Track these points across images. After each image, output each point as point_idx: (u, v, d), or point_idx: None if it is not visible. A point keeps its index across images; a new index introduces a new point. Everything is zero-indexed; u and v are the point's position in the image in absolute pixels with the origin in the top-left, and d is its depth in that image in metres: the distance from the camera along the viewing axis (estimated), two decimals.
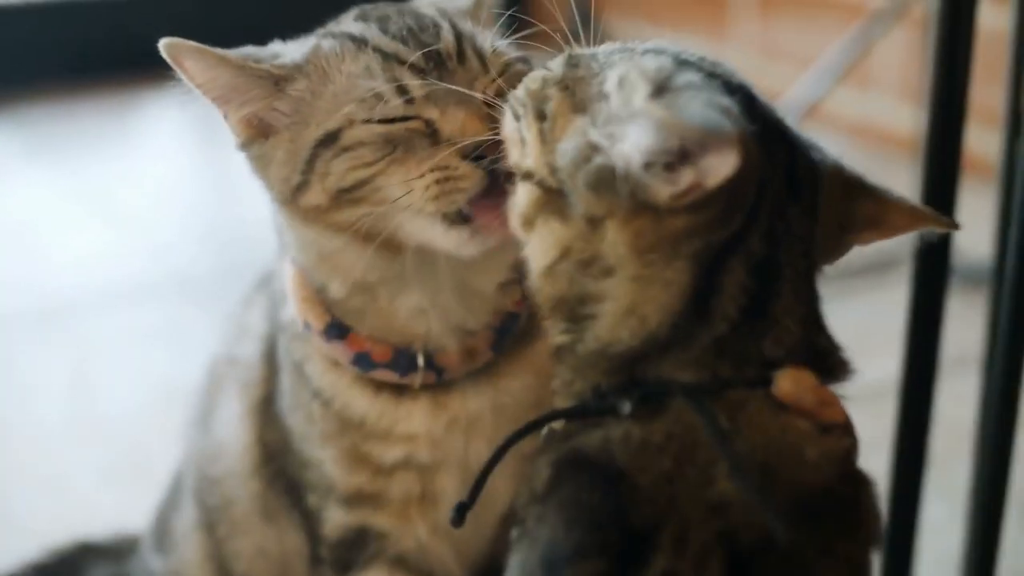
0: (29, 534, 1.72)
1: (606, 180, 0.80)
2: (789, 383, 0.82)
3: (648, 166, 0.77)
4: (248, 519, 1.17)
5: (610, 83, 0.83)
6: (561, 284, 0.85)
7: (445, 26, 1.01)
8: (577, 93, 0.86)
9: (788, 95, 2.66)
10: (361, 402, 1.07)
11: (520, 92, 0.91)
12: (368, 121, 0.97)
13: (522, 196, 0.87)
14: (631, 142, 0.78)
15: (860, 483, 0.85)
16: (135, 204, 3.11)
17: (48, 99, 3.74)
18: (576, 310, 0.85)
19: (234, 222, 2.93)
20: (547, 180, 0.85)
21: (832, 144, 0.88)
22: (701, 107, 0.75)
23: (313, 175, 0.99)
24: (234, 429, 1.17)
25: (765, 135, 0.82)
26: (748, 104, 0.83)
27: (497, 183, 0.95)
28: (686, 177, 0.76)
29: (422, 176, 0.96)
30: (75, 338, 2.41)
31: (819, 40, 3.32)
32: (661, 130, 0.76)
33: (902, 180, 2.76)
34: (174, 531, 1.27)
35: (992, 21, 1.35)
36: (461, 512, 0.88)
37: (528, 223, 0.86)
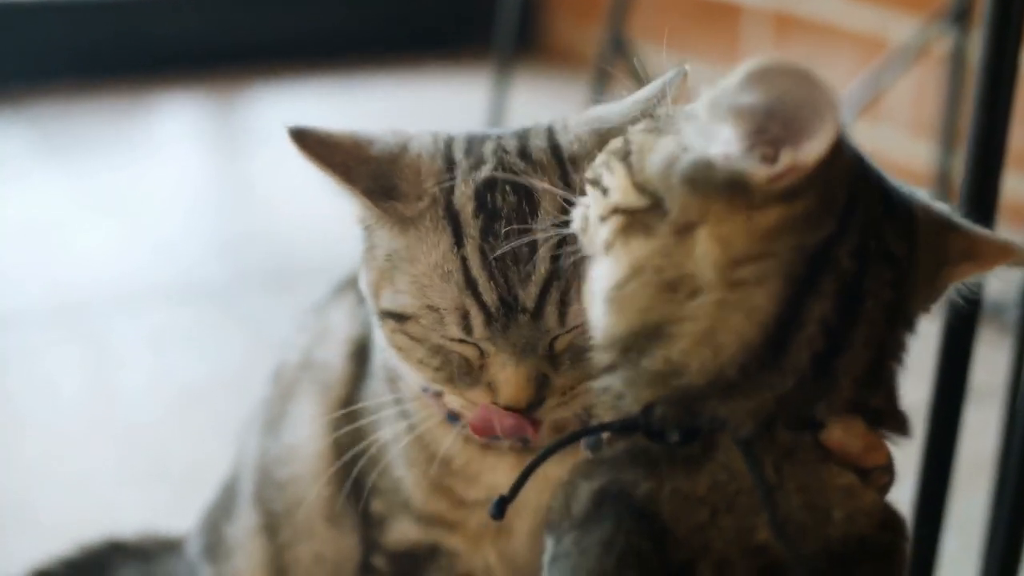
0: (50, 532, 1.73)
1: (701, 171, 0.81)
2: (840, 432, 0.83)
3: (745, 151, 0.79)
4: (312, 523, 1.17)
5: (698, 105, 0.85)
6: (629, 310, 0.84)
7: (540, 268, 0.95)
8: (662, 126, 0.88)
9: None
10: (449, 443, 1.07)
11: (601, 157, 0.91)
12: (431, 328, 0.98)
13: (604, 232, 0.87)
14: (727, 129, 0.80)
15: (898, 533, 0.86)
16: (146, 205, 3.12)
17: (59, 98, 3.74)
18: (641, 341, 0.84)
19: (246, 224, 2.96)
20: (635, 202, 0.85)
21: None
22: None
23: (383, 320, 1.01)
24: (309, 432, 1.17)
25: (855, 154, 0.84)
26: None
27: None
28: (784, 159, 0.78)
29: (454, 396, 1.01)
30: (87, 336, 2.43)
31: (832, 69, 3.34)
32: (761, 82, 0.78)
33: None
34: (227, 538, 1.26)
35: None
36: (501, 506, 0.90)
37: (607, 246, 0.86)
